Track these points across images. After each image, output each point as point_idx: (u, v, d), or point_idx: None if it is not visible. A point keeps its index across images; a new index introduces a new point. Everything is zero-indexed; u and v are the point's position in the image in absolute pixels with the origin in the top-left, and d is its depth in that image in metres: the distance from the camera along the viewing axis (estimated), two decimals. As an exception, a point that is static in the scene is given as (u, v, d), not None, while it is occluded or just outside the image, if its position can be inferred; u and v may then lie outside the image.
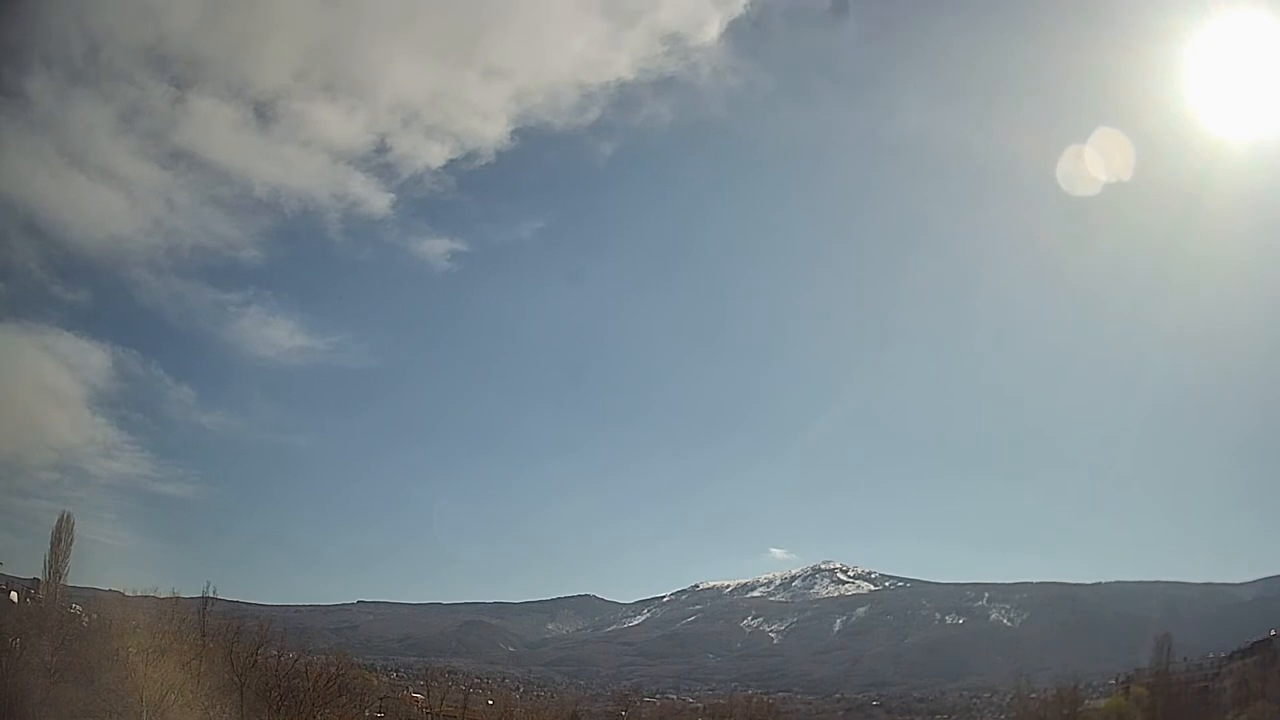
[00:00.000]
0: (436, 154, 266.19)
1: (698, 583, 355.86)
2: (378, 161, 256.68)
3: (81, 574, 74.52)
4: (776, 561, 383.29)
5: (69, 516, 72.13)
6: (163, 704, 53.01)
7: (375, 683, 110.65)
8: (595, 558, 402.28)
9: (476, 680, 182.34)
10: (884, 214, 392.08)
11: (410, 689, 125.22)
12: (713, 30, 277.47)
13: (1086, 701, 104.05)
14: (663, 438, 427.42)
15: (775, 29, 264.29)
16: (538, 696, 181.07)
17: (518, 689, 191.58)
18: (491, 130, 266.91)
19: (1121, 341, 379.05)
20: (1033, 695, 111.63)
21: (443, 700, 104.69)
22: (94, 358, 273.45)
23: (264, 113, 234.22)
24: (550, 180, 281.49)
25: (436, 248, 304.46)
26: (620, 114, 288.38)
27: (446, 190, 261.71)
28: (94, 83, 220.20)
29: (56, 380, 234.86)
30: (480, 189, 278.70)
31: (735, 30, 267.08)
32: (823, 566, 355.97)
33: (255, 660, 65.96)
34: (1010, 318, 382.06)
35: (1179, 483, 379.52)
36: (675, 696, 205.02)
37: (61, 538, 70.50)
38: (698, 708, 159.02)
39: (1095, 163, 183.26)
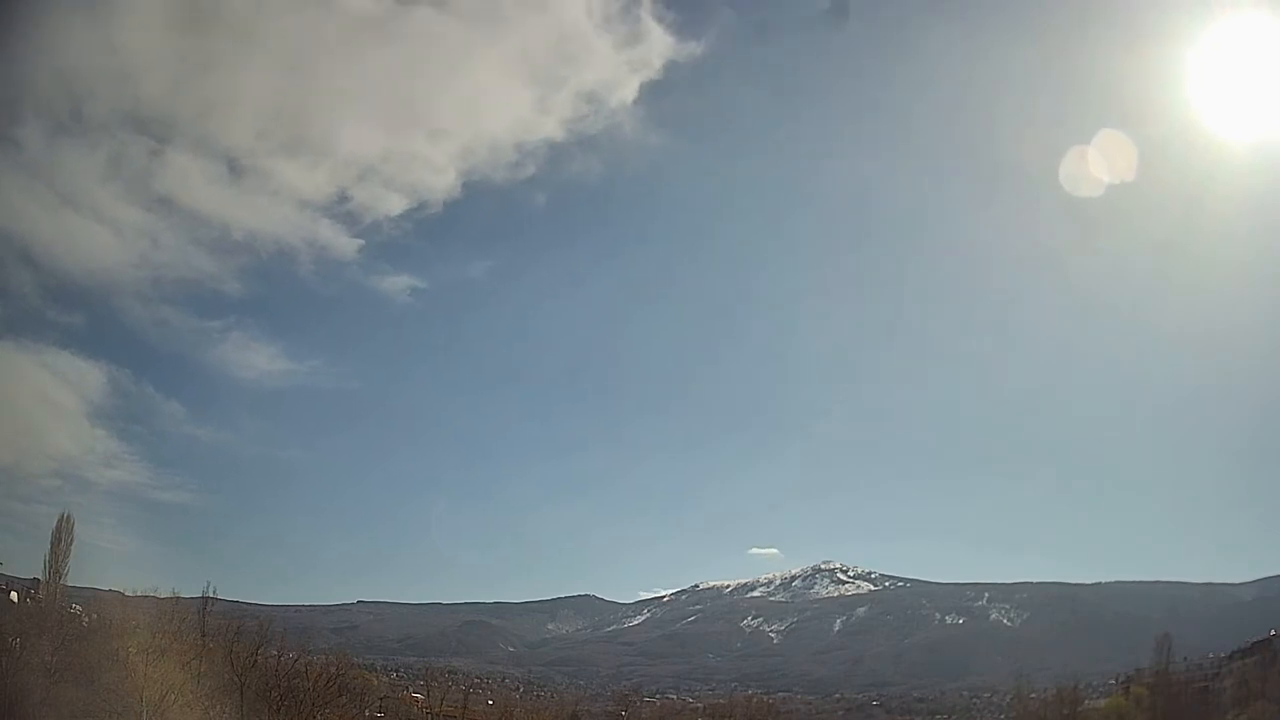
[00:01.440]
0: (394, 203, 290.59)
1: (698, 583, 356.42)
2: (340, 210, 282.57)
3: (81, 574, 74.51)
4: (774, 561, 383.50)
5: (69, 517, 71.95)
6: (163, 704, 52.95)
7: (375, 683, 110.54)
8: (595, 558, 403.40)
9: (476, 680, 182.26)
10: (888, 217, 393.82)
11: (410, 689, 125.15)
12: (630, 93, 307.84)
13: (1086, 701, 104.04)
14: (662, 439, 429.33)
15: (684, 93, 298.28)
16: (538, 696, 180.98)
17: (518, 689, 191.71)
18: (441, 182, 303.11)
19: (1123, 342, 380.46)
20: (1033, 695, 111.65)
21: (443, 700, 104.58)
22: (90, 375, 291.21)
23: (234, 167, 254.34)
24: (495, 226, 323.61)
25: (398, 284, 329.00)
26: (552, 169, 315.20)
27: (404, 235, 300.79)
28: (80, 135, 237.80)
29: (56, 394, 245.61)
30: (434, 233, 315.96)
31: (650, 92, 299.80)
32: (823, 566, 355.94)
33: (255, 660, 65.80)
34: (1012, 318, 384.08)
35: (1179, 483, 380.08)
36: (675, 696, 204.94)
37: (61, 538, 70.31)
38: (698, 708, 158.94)
39: (1099, 164, 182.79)
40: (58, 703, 50.40)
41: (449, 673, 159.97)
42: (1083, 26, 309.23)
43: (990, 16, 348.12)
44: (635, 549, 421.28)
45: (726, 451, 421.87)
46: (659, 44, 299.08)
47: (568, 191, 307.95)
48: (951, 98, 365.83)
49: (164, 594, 66.62)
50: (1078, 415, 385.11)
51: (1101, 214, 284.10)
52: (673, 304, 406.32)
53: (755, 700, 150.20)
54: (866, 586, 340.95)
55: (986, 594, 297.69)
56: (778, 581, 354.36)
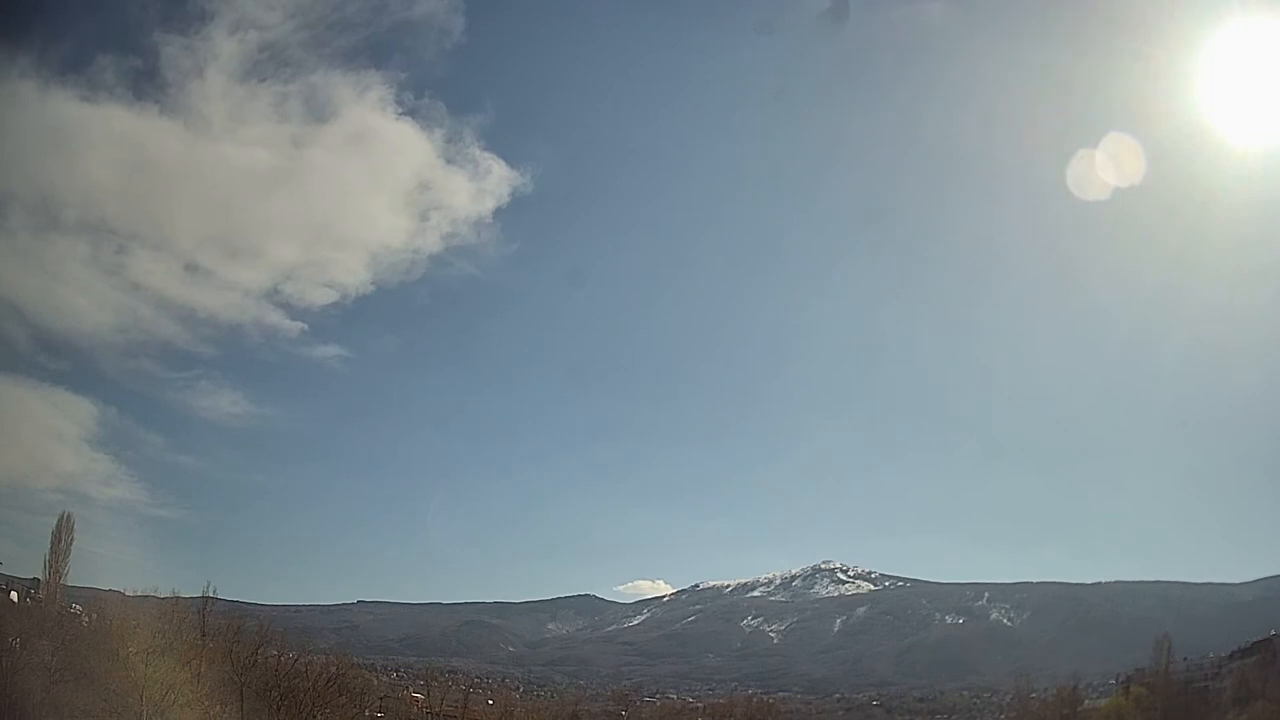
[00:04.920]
0: (320, 295, 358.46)
1: (698, 583, 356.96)
2: (278, 300, 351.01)
3: (81, 574, 74.58)
4: (775, 561, 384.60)
5: (69, 516, 72.11)
6: (163, 704, 52.71)
7: (375, 683, 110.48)
8: (595, 558, 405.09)
9: (476, 680, 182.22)
10: (893, 221, 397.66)
11: (410, 689, 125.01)
12: (487, 213, 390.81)
13: (1086, 701, 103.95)
14: (663, 440, 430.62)
15: (527, 212, 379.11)
16: (538, 696, 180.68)
17: (518, 689, 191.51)
18: (355, 281, 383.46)
19: (1126, 343, 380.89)
20: (1033, 695, 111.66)
21: (443, 700, 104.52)
22: (84, 408, 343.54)
23: (188, 265, 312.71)
24: (399, 314, 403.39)
25: (328, 353, 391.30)
26: (437, 271, 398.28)
27: (331, 319, 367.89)
28: (59, 234, 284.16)
29: (56, 421, 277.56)
30: (354, 317, 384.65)
31: (502, 212, 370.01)
32: (823, 566, 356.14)
33: (255, 660, 65.54)
34: (1016, 320, 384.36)
35: (1180, 483, 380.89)
36: (675, 696, 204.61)
37: (61, 537, 70.36)
38: (698, 708, 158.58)
39: (1106, 167, 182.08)
40: (58, 703, 50.23)
41: (449, 673, 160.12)
42: (1090, 28, 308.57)
43: (996, 18, 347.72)
44: (635, 549, 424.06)
45: (727, 452, 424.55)
46: (503, 175, 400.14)
47: (449, 288, 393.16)
48: (958, 101, 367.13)
49: (164, 594, 66.26)
50: (1080, 416, 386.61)
51: (1108, 217, 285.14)
52: (675, 302, 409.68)
53: (755, 700, 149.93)
54: (866, 586, 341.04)
55: (986, 594, 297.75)
56: (778, 581, 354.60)
